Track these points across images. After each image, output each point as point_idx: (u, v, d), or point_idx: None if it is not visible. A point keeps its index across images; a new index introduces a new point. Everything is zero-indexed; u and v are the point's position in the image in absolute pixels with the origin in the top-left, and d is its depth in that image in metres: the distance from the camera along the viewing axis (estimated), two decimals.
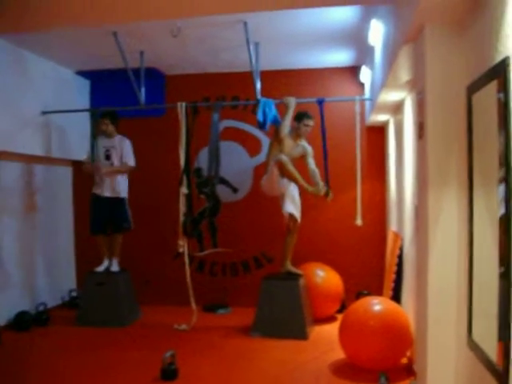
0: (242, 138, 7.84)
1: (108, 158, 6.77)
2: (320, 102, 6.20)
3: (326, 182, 6.27)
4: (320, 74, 7.53)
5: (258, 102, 6.37)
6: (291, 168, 6.03)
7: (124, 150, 6.76)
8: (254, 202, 7.76)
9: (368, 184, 7.30)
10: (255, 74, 6.34)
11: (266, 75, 6.96)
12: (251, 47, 6.07)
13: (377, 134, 7.51)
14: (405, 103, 5.55)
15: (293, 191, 6.19)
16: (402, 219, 5.84)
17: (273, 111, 6.27)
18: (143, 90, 6.82)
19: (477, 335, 3.01)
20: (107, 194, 6.74)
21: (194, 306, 6.44)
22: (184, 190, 6.45)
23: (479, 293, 2.99)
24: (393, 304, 5.17)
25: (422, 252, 3.45)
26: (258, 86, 6.44)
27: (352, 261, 7.53)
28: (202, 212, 7.45)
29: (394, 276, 5.88)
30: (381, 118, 6.90)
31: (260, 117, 6.20)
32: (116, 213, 6.84)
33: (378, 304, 5.06)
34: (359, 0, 4.57)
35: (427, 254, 3.29)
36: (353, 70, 7.51)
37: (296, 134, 6.20)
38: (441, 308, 3.28)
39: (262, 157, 7.74)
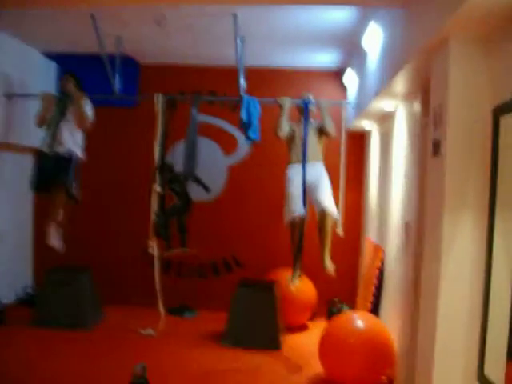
0: (217, 135, 7.53)
1: None
2: (306, 104, 5.93)
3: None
4: (302, 75, 7.30)
5: (241, 99, 6.06)
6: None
7: None
8: (226, 202, 7.49)
9: (349, 191, 7.11)
10: (240, 70, 6.02)
11: (248, 72, 6.66)
12: (235, 45, 5.76)
13: (356, 140, 7.32)
14: (396, 113, 5.37)
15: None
16: (384, 232, 5.67)
17: (257, 110, 5.98)
18: (117, 77, 6.41)
19: (489, 370, 2.84)
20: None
21: (162, 310, 6.09)
22: (157, 187, 6.09)
23: (494, 324, 2.82)
24: (375, 320, 4.99)
25: (431, 277, 3.24)
26: (242, 82, 6.12)
27: (323, 268, 7.31)
28: (171, 210, 7.07)
29: (373, 289, 5.70)
30: (364, 124, 6.72)
31: (244, 116, 5.90)
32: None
33: (360, 320, 4.86)
34: (366, 1, 4.32)
35: (438, 280, 3.08)
36: (336, 73, 7.30)
37: None
38: (450, 338, 3.08)
39: (237, 155, 7.50)
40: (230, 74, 6.39)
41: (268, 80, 7.27)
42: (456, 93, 3.01)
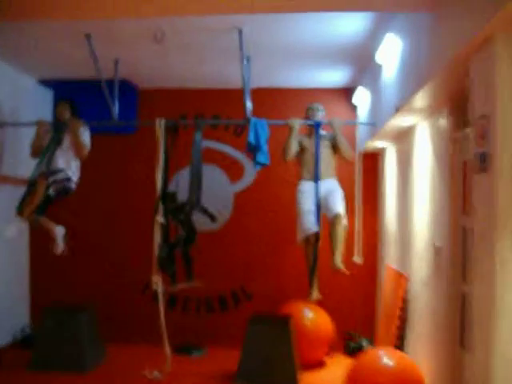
0: (222, 162, 7.15)
1: None
2: (317, 125, 5.58)
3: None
4: (309, 94, 6.90)
5: (247, 121, 5.69)
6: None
7: None
8: (234, 231, 7.07)
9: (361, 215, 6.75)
10: (246, 91, 5.66)
11: (253, 93, 6.29)
12: (241, 63, 5.43)
13: (368, 160, 6.90)
14: (416, 130, 5.00)
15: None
16: (407, 258, 5.25)
17: (266, 133, 5.60)
18: (116, 102, 6.05)
19: None
20: None
21: (167, 351, 5.61)
22: (160, 218, 5.67)
23: None
24: (404, 357, 4.54)
25: (484, 309, 2.82)
26: (249, 104, 5.75)
27: (338, 298, 6.85)
28: (175, 242, 6.63)
29: (397, 321, 5.25)
30: (378, 144, 6.35)
31: (252, 138, 5.52)
32: None
33: (388, 358, 4.40)
34: (389, 7, 3.99)
35: (494, 311, 2.66)
36: (346, 92, 6.96)
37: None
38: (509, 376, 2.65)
39: (244, 182, 7.12)
40: (234, 96, 6.10)
41: (273, 101, 6.92)
42: (505, 99, 2.63)
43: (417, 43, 3.95)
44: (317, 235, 5.43)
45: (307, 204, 5.47)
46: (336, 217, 5.35)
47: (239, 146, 6.87)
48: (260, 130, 5.56)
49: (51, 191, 5.53)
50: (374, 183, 7.00)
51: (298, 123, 5.60)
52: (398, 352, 4.67)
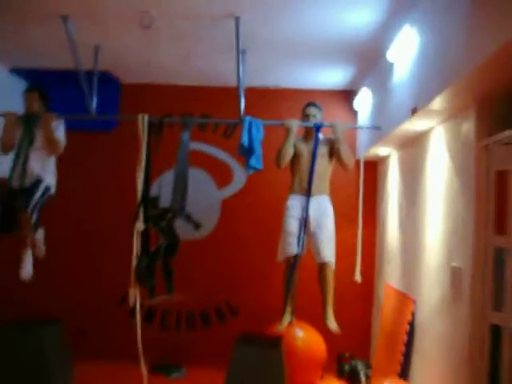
0: (209, 165, 6.61)
1: None
2: (318, 127, 5.06)
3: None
4: (307, 96, 6.30)
5: (240, 121, 5.15)
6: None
7: None
8: (219, 241, 6.53)
9: (352, 228, 6.23)
10: (240, 88, 5.12)
11: (246, 93, 5.69)
12: (236, 55, 4.91)
13: (367, 169, 6.39)
14: (429, 135, 4.51)
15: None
16: (414, 278, 4.75)
17: (261, 134, 5.07)
18: (95, 96, 5.48)
19: None
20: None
21: (144, 371, 5.02)
22: (140, 225, 5.09)
23: None
24: None
25: None
26: (243, 102, 5.21)
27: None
28: (155, 252, 6.05)
29: (402, 347, 4.75)
30: (381, 151, 5.87)
31: (245, 139, 4.97)
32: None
33: None
34: None
35: None
36: (346, 95, 6.49)
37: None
38: None
39: (232, 188, 6.59)
40: (226, 95, 5.71)
41: (266, 102, 6.41)
42: None
43: (440, 37, 3.47)
44: (297, 259, 4.89)
45: (292, 224, 4.93)
46: (324, 265, 4.87)
47: (228, 148, 6.38)
48: (254, 130, 5.02)
49: (36, 221, 5.01)
50: (372, 194, 6.50)
51: (295, 125, 5.07)
52: (403, 383, 4.17)
